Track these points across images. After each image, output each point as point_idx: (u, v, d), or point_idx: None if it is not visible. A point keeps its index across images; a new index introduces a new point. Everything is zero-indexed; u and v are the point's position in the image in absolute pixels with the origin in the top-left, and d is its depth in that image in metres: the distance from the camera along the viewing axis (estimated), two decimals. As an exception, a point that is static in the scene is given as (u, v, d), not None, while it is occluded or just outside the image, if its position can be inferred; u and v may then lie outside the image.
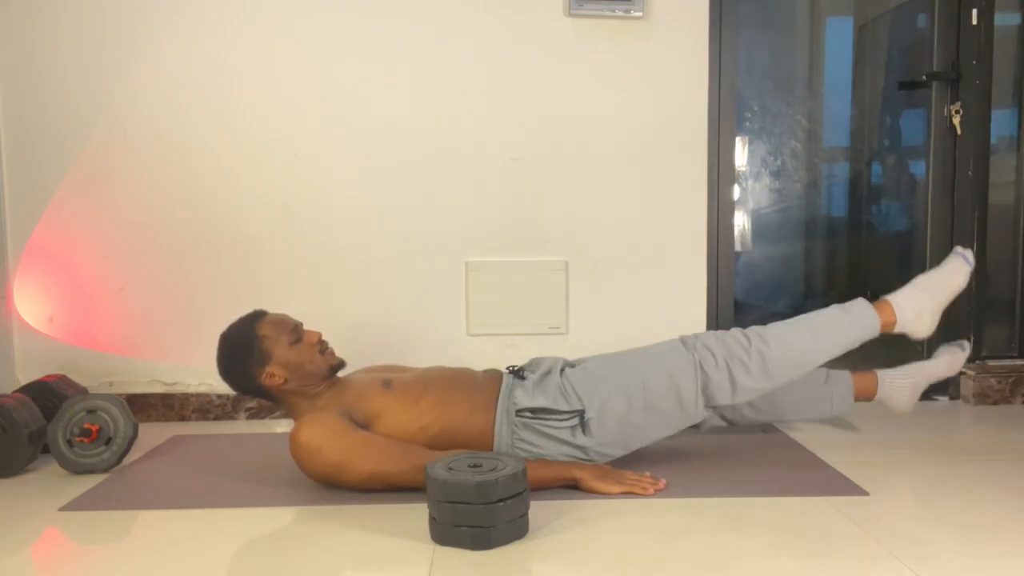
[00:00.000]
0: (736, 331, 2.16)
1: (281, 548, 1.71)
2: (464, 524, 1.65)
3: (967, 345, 2.44)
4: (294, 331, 2.07)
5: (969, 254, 2.25)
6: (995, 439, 2.48)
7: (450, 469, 1.71)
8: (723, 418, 2.34)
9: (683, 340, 2.16)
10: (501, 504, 1.65)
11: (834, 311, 2.20)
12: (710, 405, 2.12)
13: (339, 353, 2.13)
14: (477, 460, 1.75)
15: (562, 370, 2.18)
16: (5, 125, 2.73)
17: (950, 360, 2.43)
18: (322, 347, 2.09)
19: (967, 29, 2.86)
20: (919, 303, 2.20)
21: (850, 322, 2.17)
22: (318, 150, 2.77)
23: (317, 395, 2.06)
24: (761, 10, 3.44)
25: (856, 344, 2.18)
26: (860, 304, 2.19)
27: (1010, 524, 1.78)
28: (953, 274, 2.23)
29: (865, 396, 2.42)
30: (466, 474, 1.67)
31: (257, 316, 2.09)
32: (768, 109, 3.36)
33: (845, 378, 2.41)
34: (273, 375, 2.02)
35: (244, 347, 2.04)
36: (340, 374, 2.13)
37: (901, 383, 2.41)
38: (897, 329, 2.20)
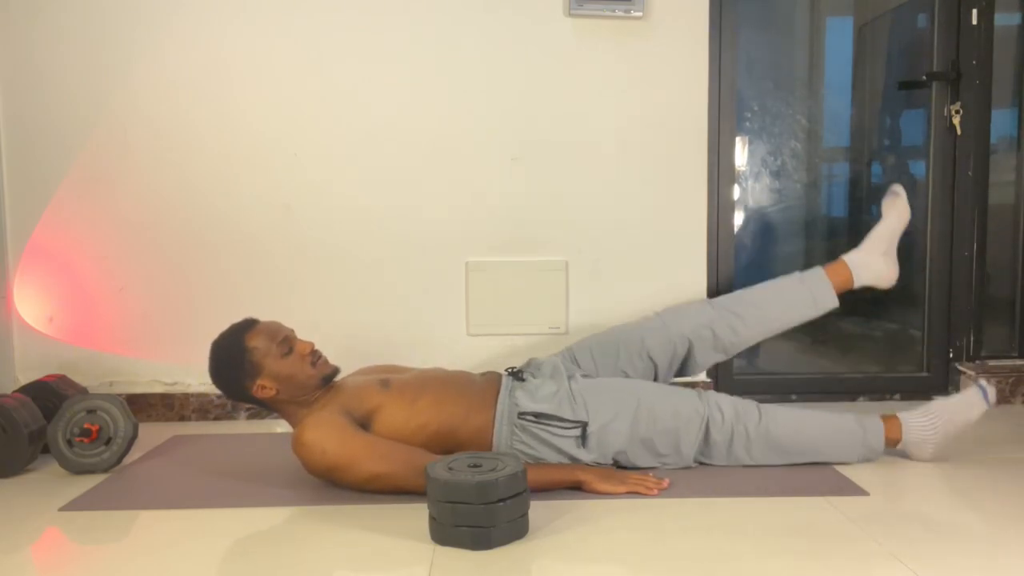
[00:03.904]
0: (752, 402, 2.19)
1: (281, 548, 1.71)
2: (464, 524, 1.65)
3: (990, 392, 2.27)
4: (285, 342, 2.04)
5: (992, 392, 2.22)
6: (995, 439, 2.48)
7: (450, 469, 1.71)
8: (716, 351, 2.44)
9: (700, 393, 2.19)
10: (501, 504, 1.65)
11: (850, 423, 2.21)
12: (699, 458, 2.16)
13: (336, 357, 2.13)
14: (477, 460, 1.75)
15: (570, 377, 2.20)
16: (5, 125, 2.73)
17: (898, 208, 2.47)
18: (314, 358, 2.06)
19: (967, 29, 2.86)
20: (927, 432, 2.20)
21: (861, 439, 2.19)
22: (318, 150, 2.77)
23: (313, 401, 2.06)
24: (761, 10, 3.44)
25: (853, 462, 2.19)
26: (876, 424, 2.21)
27: (1010, 524, 1.78)
28: (969, 409, 2.21)
29: (846, 288, 2.44)
30: (466, 474, 1.67)
31: (247, 327, 2.07)
32: (768, 109, 3.35)
33: (818, 274, 2.45)
34: (264, 387, 2.02)
35: (233, 359, 2.03)
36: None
37: (873, 262, 2.44)
38: (899, 448, 2.23)
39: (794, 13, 3.69)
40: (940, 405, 2.23)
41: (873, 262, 2.43)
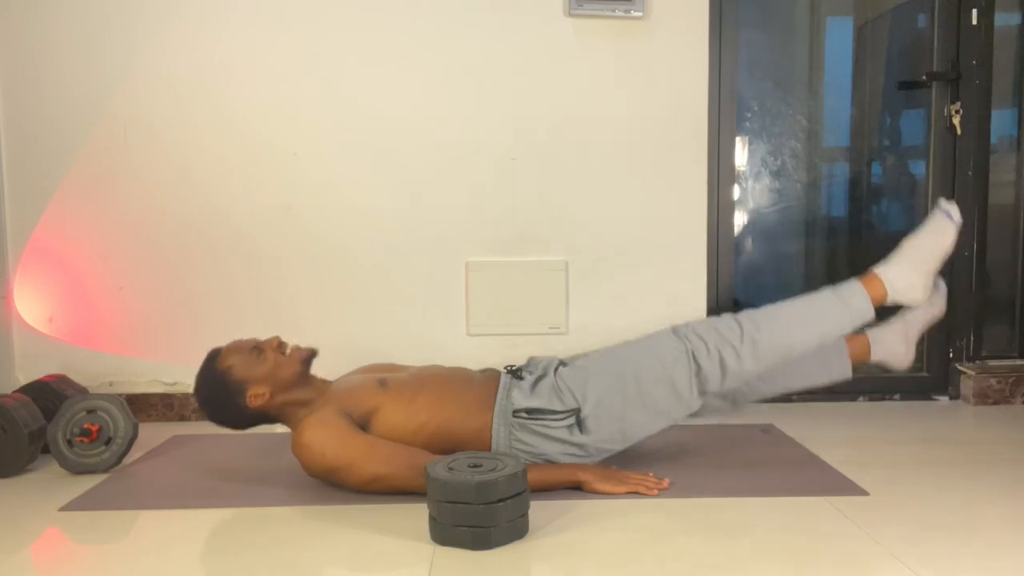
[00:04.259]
0: (728, 316, 2.14)
1: (281, 548, 1.71)
2: (464, 524, 1.65)
3: (941, 284, 2.35)
4: (254, 349, 2.07)
5: (954, 210, 2.17)
6: (995, 439, 2.48)
7: (450, 469, 1.71)
8: (723, 398, 2.33)
9: (674, 329, 2.14)
10: (501, 504, 1.65)
11: (828, 296, 2.15)
12: (703, 392, 2.11)
13: (335, 357, 2.14)
14: (477, 460, 1.75)
15: (556, 369, 2.18)
16: (5, 125, 2.73)
17: (935, 300, 2.38)
18: (284, 348, 2.09)
19: (967, 29, 2.86)
20: (909, 274, 2.15)
21: (843, 307, 2.13)
22: (318, 150, 2.77)
23: (310, 401, 2.07)
24: (761, 10, 3.44)
25: (849, 331, 2.15)
26: (853, 287, 2.14)
27: (1010, 524, 1.78)
28: (940, 236, 2.17)
29: (862, 359, 2.40)
30: (466, 474, 1.67)
31: (214, 355, 2.09)
32: (768, 109, 3.35)
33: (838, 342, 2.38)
34: (257, 395, 2.03)
35: (218, 386, 2.05)
36: (330, 371, 2.13)
37: (893, 342, 2.40)
38: (889, 301, 2.16)
39: (794, 13, 3.69)
40: (911, 244, 2.19)
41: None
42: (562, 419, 2.05)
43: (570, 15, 2.75)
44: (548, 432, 2.05)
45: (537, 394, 2.09)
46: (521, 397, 2.08)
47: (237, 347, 2.08)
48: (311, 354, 2.12)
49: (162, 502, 1.99)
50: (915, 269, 2.16)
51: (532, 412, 2.05)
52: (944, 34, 2.90)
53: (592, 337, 2.77)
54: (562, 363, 2.26)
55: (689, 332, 2.11)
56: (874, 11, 3.51)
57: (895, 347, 2.40)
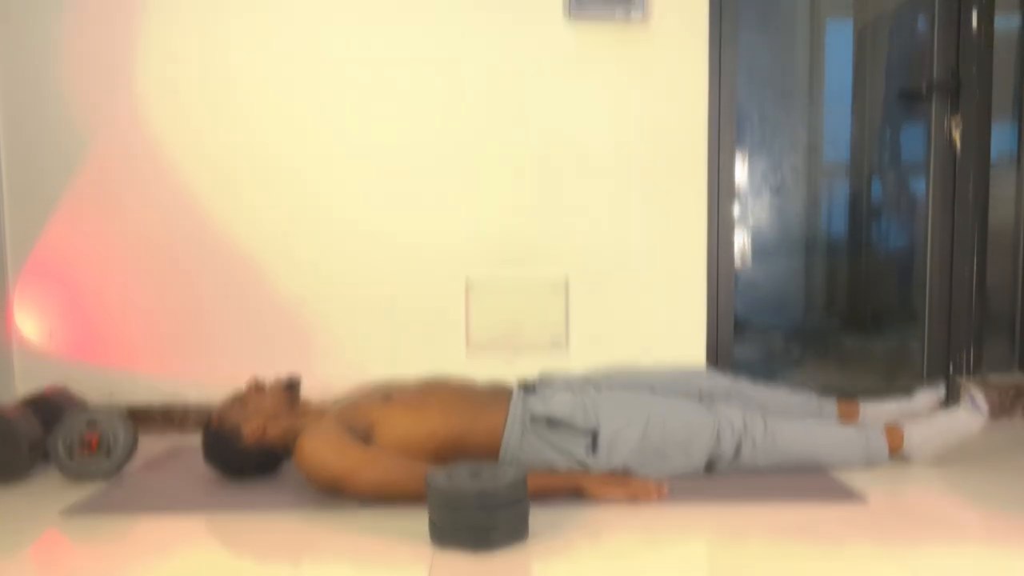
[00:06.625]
0: (758, 414, 2.22)
1: (281, 552, 1.71)
2: (464, 531, 1.65)
3: (981, 400, 2.33)
4: (235, 398, 2.17)
5: (980, 400, 2.29)
6: (994, 449, 2.47)
7: (450, 477, 1.71)
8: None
9: (708, 405, 2.22)
10: (501, 511, 1.65)
11: (852, 430, 2.26)
12: (710, 468, 2.17)
13: (336, 373, 2.16)
14: (477, 468, 1.75)
15: (578, 387, 2.23)
16: (6, 138, 2.74)
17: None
18: (260, 383, 2.18)
19: (967, 36, 2.84)
20: (927, 441, 2.27)
21: (863, 447, 2.23)
22: (319, 164, 2.77)
23: (307, 425, 2.09)
24: (761, 15, 3.47)
25: (857, 468, 2.22)
26: (877, 434, 2.25)
27: (1008, 532, 1.77)
28: (968, 423, 2.28)
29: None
30: (466, 482, 1.67)
31: (208, 420, 2.17)
32: (768, 118, 3.37)
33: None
34: (252, 430, 2.10)
35: (220, 440, 2.14)
36: (331, 388, 2.15)
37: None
38: (901, 455, 2.27)
39: (794, 19, 3.73)
40: (944, 422, 2.29)
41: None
42: (580, 435, 2.07)
43: (570, 15, 2.71)
44: (563, 445, 2.07)
45: (559, 405, 2.11)
46: (541, 405, 2.10)
47: (222, 405, 2.18)
48: (291, 380, 2.20)
49: (163, 507, 1.99)
50: (934, 440, 2.27)
51: (552, 421, 2.08)
52: (944, 42, 2.88)
53: (593, 354, 2.77)
54: (582, 387, 2.29)
55: (720, 412, 2.19)
56: (874, 12, 3.51)
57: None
